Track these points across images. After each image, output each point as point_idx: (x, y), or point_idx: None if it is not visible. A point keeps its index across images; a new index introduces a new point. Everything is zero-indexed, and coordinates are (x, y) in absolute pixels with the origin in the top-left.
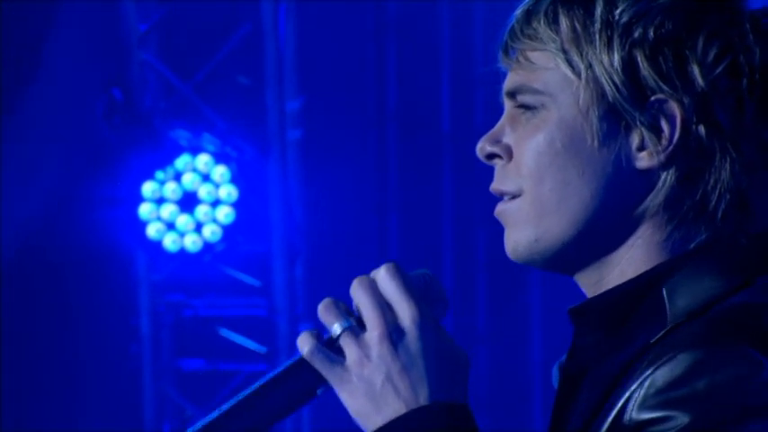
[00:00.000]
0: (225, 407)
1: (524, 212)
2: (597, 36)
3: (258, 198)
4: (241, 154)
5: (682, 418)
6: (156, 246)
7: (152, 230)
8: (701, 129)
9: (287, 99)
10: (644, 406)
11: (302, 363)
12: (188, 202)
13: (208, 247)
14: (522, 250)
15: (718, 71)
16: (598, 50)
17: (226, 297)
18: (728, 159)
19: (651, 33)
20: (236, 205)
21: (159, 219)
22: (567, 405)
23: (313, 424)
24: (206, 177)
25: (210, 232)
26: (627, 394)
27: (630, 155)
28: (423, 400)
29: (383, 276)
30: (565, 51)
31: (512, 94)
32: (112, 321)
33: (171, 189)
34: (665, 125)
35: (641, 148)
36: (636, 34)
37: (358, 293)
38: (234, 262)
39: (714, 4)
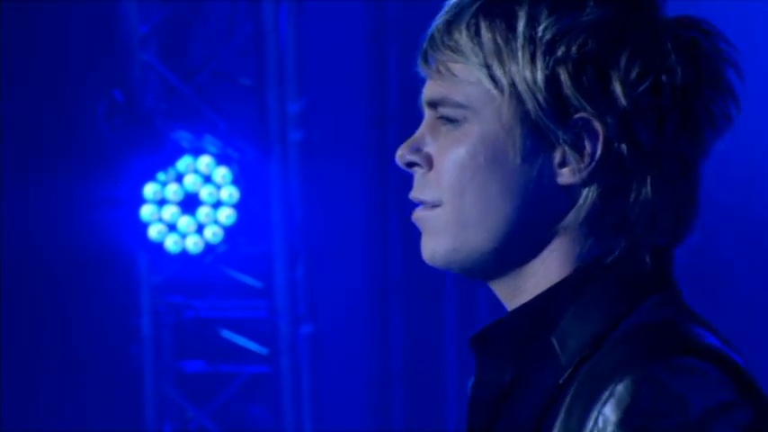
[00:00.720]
0: None
1: (443, 222)
2: (520, 52)
3: (259, 199)
4: (242, 155)
5: None
6: (158, 247)
7: (153, 232)
8: (623, 147)
9: (288, 100)
10: None
11: None
12: (189, 203)
13: (209, 248)
14: (439, 258)
15: (640, 90)
16: (521, 67)
17: (227, 298)
18: (649, 176)
19: (575, 51)
20: (238, 206)
21: (160, 220)
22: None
23: (314, 423)
24: (207, 179)
25: (212, 233)
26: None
27: (552, 171)
28: None
29: None
30: (488, 66)
31: (433, 105)
32: (113, 322)
33: (172, 190)
34: (587, 143)
35: (563, 164)
36: (559, 52)
37: None
38: (235, 263)
39: (637, 23)
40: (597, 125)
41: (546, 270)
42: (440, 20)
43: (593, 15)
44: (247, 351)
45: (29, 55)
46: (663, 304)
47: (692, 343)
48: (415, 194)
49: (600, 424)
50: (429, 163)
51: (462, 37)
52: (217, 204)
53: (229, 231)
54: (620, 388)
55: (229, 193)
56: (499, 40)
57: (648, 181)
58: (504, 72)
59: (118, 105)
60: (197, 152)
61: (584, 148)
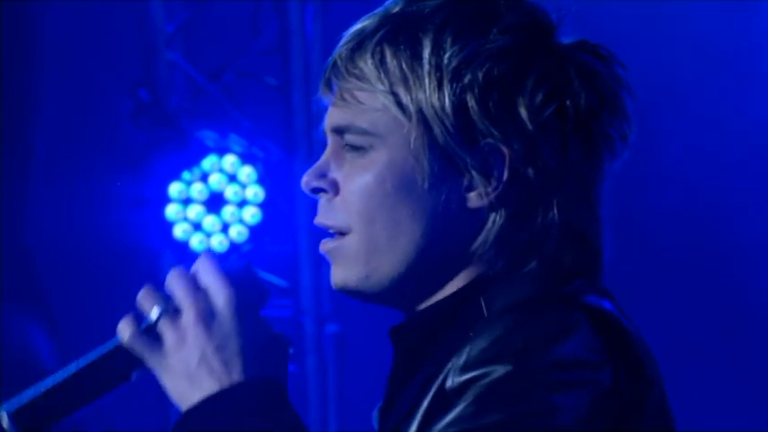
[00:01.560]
0: (41, 386)
1: (353, 251)
2: (427, 79)
3: (285, 199)
4: (268, 154)
5: (500, 370)
6: (183, 246)
7: (179, 231)
8: (530, 170)
9: (313, 99)
10: (464, 368)
11: (118, 348)
12: (214, 202)
13: (234, 247)
14: (351, 286)
15: (545, 114)
16: (428, 93)
17: None
18: (555, 198)
19: (481, 78)
20: (263, 206)
21: (186, 219)
22: (391, 413)
23: (340, 422)
24: (232, 178)
25: (237, 233)
26: (448, 366)
27: (461, 195)
28: (236, 376)
29: (199, 263)
30: (394, 93)
31: (338, 132)
32: None
33: (197, 190)
34: (494, 167)
35: (471, 188)
36: (466, 79)
37: (173, 282)
38: (260, 263)
39: (541, 50)
40: (504, 150)
41: (451, 291)
42: (342, 47)
43: (497, 42)
44: None
45: (55, 55)
46: (583, 285)
47: (576, 300)
48: (320, 220)
49: (465, 351)
50: (335, 189)
51: (367, 65)
52: (242, 203)
53: (254, 231)
54: (498, 321)
55: (254, 192)
56: (405, 67)
57: (555, 203)
58: (411, 99)
59: (143, 105)
60: (222, 151)
61: (491, 172)
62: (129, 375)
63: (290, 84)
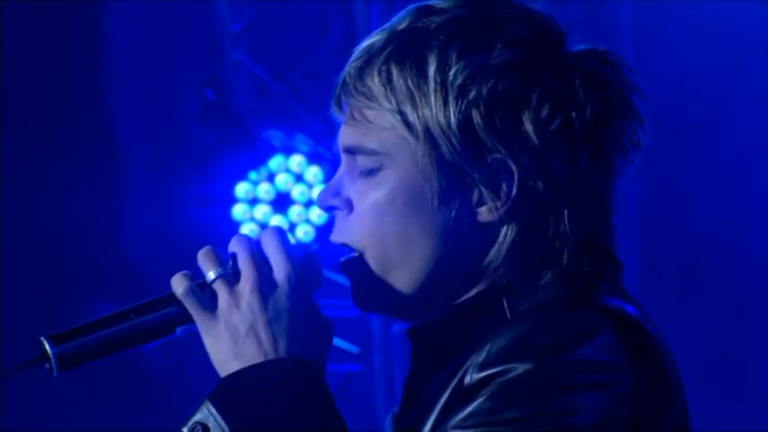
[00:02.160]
0: (90, 320)
1: (370, 271)
2: (433, 97)
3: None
4: (334, 154)
5: (521, 368)
6: None
7: (246, 231)
8: (539, 183)
9: None
10: (484, 365)
11: (171, 300)
12: (281, 202)
13: None
14: (371, 304)
15: (551, 127)
16: (434, 111)
17: (319, 297)
18: (566, 208)
19: (486, 93)
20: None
21: (253, 219)
22: (410, 408)
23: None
24: (299, 178)
25: (304, 233)
26: (468, 363)
27: (471, 210)
28: (281, 352)
29: (266, 236)
30: (401, 113)
31: (350, 152)
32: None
33: (264, 190)
34: (503, 182)
35: (481, 203)
36: (471, 95)
37: (237, 246)
38: (327, 263)
39: (545, 62)
40: (512, 165)
41: (470, 295)
42: (352, 65)
43: (502, 57)
44: (339, 350)
45: (123, 55)
46: (606, 289)
47: (599, 303)
48: (335, 238)
49: (486, 348)
50: (349, 206)
51: (375, 83)
52: (308, 203)
53: (321, 230)
54: (522, 319)
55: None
56: (411, 85)
57: (566, 214)
58: (418, 116)
59: (210, 105)
60: (289, 151)
61: (500, 187)
62: (174, 329)
63: None
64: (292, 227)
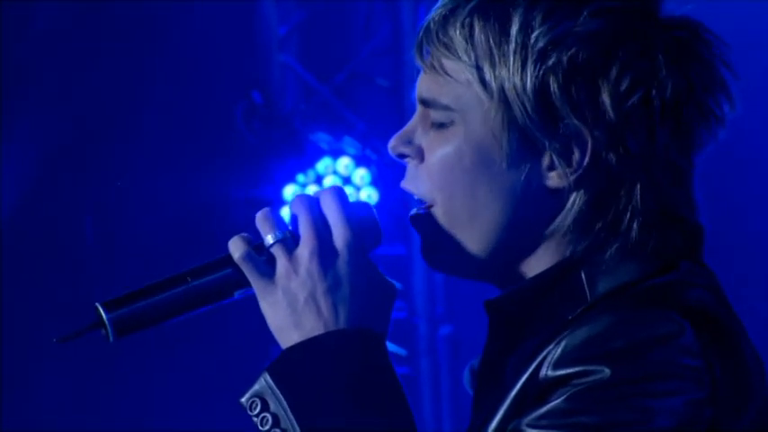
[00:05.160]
0: (147, 284)
1: (438, 226)
2: (512, 57)
3: (398, 201)
4: (381, 157)
5: (602, 373)
6: None
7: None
8: (611, 156)
9: None
10: (561, 363)
11: (228, 262)
12: None
13: None
14: (438, 261)
15: (629, 103)
16: (511, 72)
17: None
18: (639, 183)
19: (565, 61)
20: (377, 208)
21: None
22: (487, 388)
23: (454, 424)
24: (347, 180)
25: None
26: (542, 355)
27: (540, 174)
28: (342, 323)
29: (326, 197)
30: (479, 69)
31: (425, 104)
32: (251, 323)
33: (312, 192)
34: (575, 150)
35: (551, 168)
36: (550, 61)
37: (297, 208)
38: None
39: (631, 35)
40: (585, 134)
41: (543, 267)
42: (436, 12)
43: (586, 26)
44: None
45: (169, 56)
46: (687, 271)
47: (679, 299)
48: (406, 185)
49: (562, 343)
50: (420, 155)
51: (456, 35)
52: (354, 201)
53: None
54: (601, 318)
55: (368, 194)
56: (492, 42)
57: (638, 188)
58: (495, 76)
59: (257, 107)
60: (336, 154)
61: (571, 154)
62: (232, 293)
63: (403, 85)
64: None
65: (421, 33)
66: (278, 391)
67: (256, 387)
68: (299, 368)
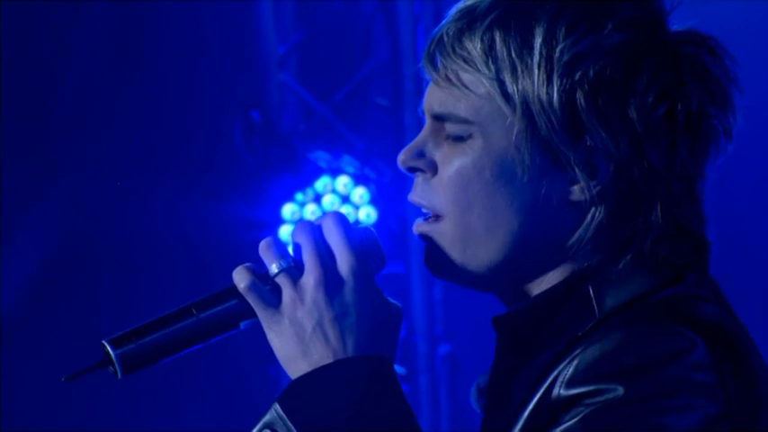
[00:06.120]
0: (152, 318)
1: (449, 238)
2: (536, 70)
3: (397, 219)
4: (380, 175)
5: (615, 391)
6: None
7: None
8: (635, 170)
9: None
10: (573, 382)
11: (233, 293)
12: None
13: None
14: (446, 273)
15: (655, 116)
16: (536, 86)
17: None
18: (659, 198)
19: (592, 75)
20: (376, 227)
21: None
22: (497, 407)
23: (451, 424)
24: (345, 199)
25: None
26: (554, 374)
27: (561, 188)
28: (350, 351)
29: (328, 224)
30: (500, 81)
31: (439, 118)
32: (251, 343)
33: (311, 211)
34: (599, 164)
35: (573, 182)
36: (577, 75)
37: (300, 237)
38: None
39: (654, 47)
40: (611, 148)
41: (555, 280)
42: (450, 25)
43: (612, 39)
44: None
45: (169, 75)
46: (695, 283)
47: (689, 314)
48: (415, 198)
49: (574, 362)
50: (433, 169)
51: (476, 47)
52: (355, 225)
53: None
54: (611, 335)
55: (367, 213)
56: (514, 54)
57: (659, 203)
58: (517, 89)
59: (256, 126)
60: (335, 172)
61: (595, 169)
62: (238, 323)
63: (402, 104)
64: None
65: (433, 46)
66: (289, 423)
67: (267, 418)
68: (310, 398)
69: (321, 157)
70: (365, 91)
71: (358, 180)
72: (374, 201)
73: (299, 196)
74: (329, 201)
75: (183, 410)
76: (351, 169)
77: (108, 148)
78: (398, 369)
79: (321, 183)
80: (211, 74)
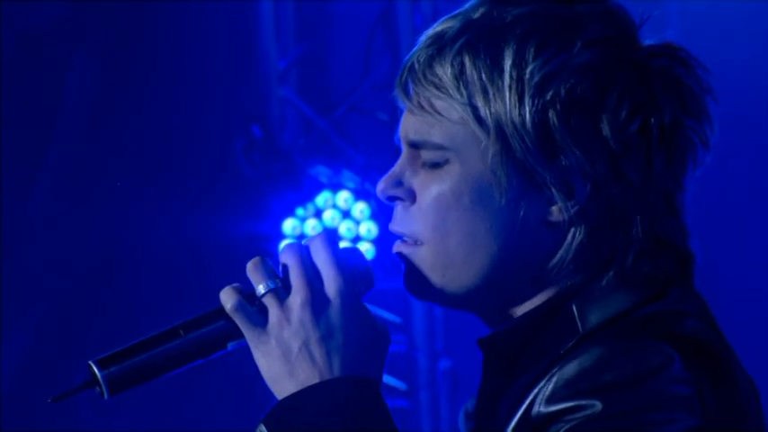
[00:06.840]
0: (140, 339)
1: (428, 263)
2: (507, 92)
3: (398, 235)
4: None
5: (593, 407)
6: None
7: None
8: (612, 188)
9: None
10: (553, 398)
11: (221, 314)
12: None
13: None
14: (426, 296)
15: (629, 131)
16: (508, 108)
17: None
18: (638, 213)
19: (564, 94)
20: (376, 242)
21: None
22: (483, 429)
23: (451, 425)
24: (346, 214)
25: None
26: (535, 391)
27: (540, 209)
28: (336, 371)
29: (316, 244)
30: (473, 106)
31: (414, 146)
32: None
33: (311, 226)
34: (575, 184)
35: (550, 202)
36: (548, 94)
37: (287, 257)
38: (374, 298)
39: (625, 64)
40: (586, 167)
41: (539, 300)
42: (421, 52)
43: (581, 57)
44: (386, 386)
45: (168, 90)
46: (677, 299)
47: (672, 331)
48: (395, 227)
49: (554, 379)
50: (412, 197)
51: (446, 73)
52: (355, 240)
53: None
54: (591, 351)
55: (368, 228)
56: (485, 78)
57: (638, 219)
58: (490, 112)
59: (256, 141)
60: (335, 187)
61: (572, 188)
62: (225, 344)
63: None
64: None
65: (405, 74)
66: None
67: None
68: (295, 418)
69: (322, 172)
70: (366, 106)
71: (358, 195)
72: (375, 216)
73: (300, 211)
74: (330, 216)
75: (184, 410)
76: (351, 184)
77: (108, 162)
78: (399, 384)
79: (322, 198)
80: (212, 89)
